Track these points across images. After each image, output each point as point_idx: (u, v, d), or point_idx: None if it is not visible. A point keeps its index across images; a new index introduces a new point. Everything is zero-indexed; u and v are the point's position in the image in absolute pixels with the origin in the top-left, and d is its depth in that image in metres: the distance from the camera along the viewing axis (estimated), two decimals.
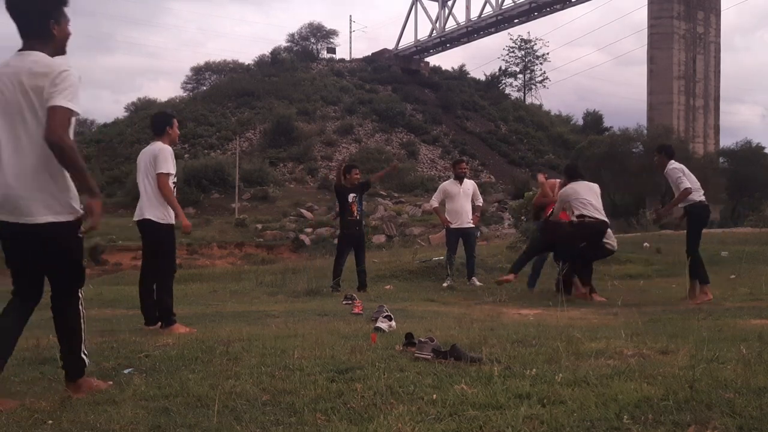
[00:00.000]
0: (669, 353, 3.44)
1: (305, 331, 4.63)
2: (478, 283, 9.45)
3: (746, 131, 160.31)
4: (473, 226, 9.75)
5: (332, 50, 77.21)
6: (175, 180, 5.19)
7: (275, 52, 73.01)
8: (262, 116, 60.60)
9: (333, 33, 77.78)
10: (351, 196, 8.92)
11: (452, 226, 9.53)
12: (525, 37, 78.09)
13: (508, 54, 78.71)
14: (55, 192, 2.85)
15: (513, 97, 79.05)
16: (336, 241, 9.49)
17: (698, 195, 7.40)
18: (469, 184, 9.76)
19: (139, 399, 2.80)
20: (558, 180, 8.71)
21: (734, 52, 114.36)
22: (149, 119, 5.26)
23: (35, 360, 3.67)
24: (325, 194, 49.80)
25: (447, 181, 9.98)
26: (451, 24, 69.13)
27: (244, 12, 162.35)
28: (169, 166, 5.08)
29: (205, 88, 73.08)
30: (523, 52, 78.83)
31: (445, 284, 9.39)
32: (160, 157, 5.04)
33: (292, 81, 66.67)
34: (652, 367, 3.06)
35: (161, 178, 5.04)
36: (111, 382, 3.10)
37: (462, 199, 9.49)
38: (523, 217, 16.59)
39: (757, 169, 39.02)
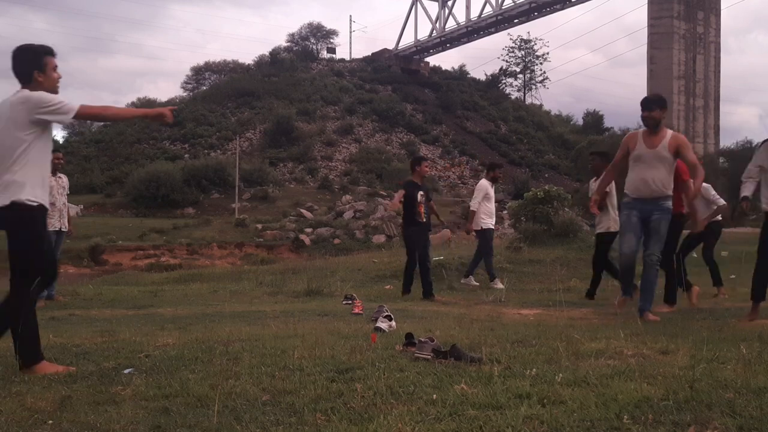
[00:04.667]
0: (669, 353, 3.45)
1: (305, 331, 4.63)
2: (474, 283, 9.52)
3: (744, 132, 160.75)
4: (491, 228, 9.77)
5: (332, 50, 77.27)
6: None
7: (275, 52, 73.04)
8: (262, 116, 60.64)
9: (333, 33, 77.90)
10: (420, 194, 8.05)
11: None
12: (525, 37, 78.19)
13: (508, 54, 78.80)
14: None
15: (513, 97, 79.11)
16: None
17: None
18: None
19: (139, 399, 2.80)
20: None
21: (730, 53, 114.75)
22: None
23: None
24: (325, 194, 49.85)
25: (485, 182, 9.88)
26: (451, 24, 69.25)
27: (243, 14, 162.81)
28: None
29: (205, 88, 73.20)
30: (523, 52, 78.90)
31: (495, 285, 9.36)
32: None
33: (292, 81, 66.72)
34: (652, 367, 3.06)
35: None
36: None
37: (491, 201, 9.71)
38: (522, 218, 16.58)
39: None
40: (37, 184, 3.44)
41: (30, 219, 3.39)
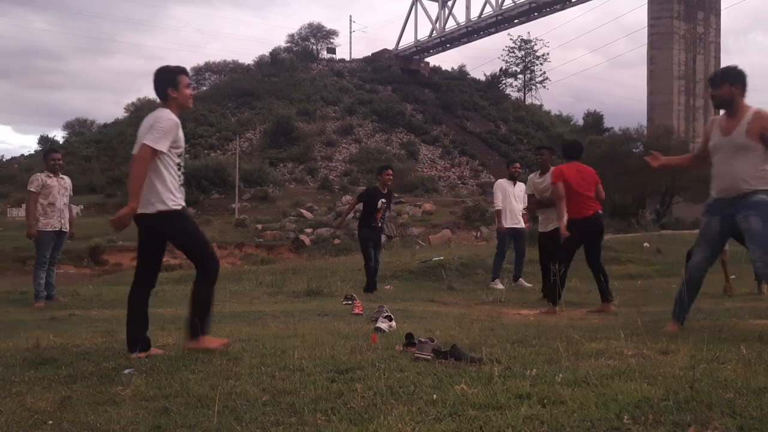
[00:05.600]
0: (669, 353, 3.44)
1: (305, 331, 4.63)
2: (526, 285, 9.37)
3: None
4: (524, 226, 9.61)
5: (332, 50, 77.27)
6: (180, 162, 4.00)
7: (275, 53, 73.04)
8: (262, 116, 60.63)
9: (333, 33, 77.92)
10: (381, 201, 8.60)
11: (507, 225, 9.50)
12: (525, 37, 78.20)
13: (508, 54, 78.81)
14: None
15: (513, 98, 79.10)
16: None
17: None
18: (521, 186, 9.56)
19: (139, 399, 2.80)
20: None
21: (730, 53, 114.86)
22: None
23: (35, 360, 3.68)
24: (325, 194, 49.86)
25: (503, 180, 9.75)
26: (451, 24, 69.25)
27: (243, 15, 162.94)
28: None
29: (205, 88, 73.16)
30: (523, 53, 78.89)
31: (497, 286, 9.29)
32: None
33: (292, 81, 66.72)
34: (653, 367, 3.06)
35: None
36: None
37: (513, 199, 9.45)
38: None
39: None
40: (176, 189, 3.90)
41: (180, 219, 3.91)
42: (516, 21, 65.66)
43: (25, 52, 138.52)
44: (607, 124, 72.07)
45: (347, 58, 77.43)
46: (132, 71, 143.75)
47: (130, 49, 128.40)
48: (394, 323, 4.81)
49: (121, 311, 6.92)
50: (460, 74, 77.92)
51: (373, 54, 76.58)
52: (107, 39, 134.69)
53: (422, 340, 3.55)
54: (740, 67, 4.40)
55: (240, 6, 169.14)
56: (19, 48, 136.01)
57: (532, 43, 78.04)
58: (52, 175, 7.87)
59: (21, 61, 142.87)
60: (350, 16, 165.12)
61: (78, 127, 76.42)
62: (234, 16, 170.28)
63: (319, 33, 77.28)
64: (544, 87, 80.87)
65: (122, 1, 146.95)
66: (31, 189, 7.73)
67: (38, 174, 7.92)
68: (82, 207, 45.33)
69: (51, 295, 7.90)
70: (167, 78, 3.98)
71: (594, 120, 74.67)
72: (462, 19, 67.85)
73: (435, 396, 2.63)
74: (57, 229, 7.83)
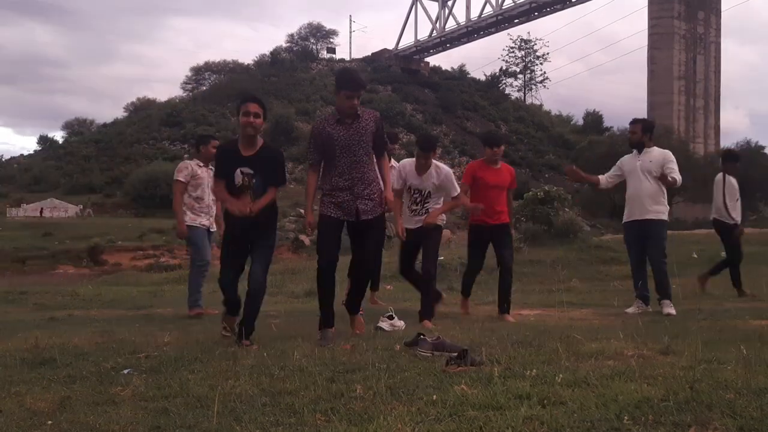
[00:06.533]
0: (669, 354, 3.44)
1: (305, 331, 4.62)
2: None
3: (744, 132, 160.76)
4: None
5: (332, 50, 77.32)
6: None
7: (275, 53, 73.10)
8: None
9: (333, 33, 77.95)
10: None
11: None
12: (525, 37, 78.25)
13: (508, 54, 78.86)
14: None
15: (513, 98, 79.16)
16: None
17: None
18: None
19: (138, 399, 2.79)
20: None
21: (728, 54, 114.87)
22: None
23: (35, 360, 3.67)
24: None
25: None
26: (451, 24, 69.31)
27: (238, 27, 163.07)
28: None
29: (204, 88, 73.22)
30: (523, 53, 78.95)
31: None
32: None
33: (292, 81, 66.76)
34: (653, 367, 3.05)
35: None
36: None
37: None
38: (522, 218, 16.60)
39: (757, 169, 39.07)
40: None
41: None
42: (516, 21, 65.72)
43: (29, 60, 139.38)
44: (607, 124, 72.18)
45: (347, 58, 77.46)
46: (131, 79, 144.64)
47: (130, 58, 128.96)
48: (402, 323, 4.83)
49: (120, 311, 6.94)
50: (460, 74, 77.94)
51: (373, 54, 76.60)
52: (109, 46, 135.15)
53: (425, 338, 3.57)
54: None
55: (235, 17, 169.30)
56: (23, 56, 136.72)
57: (532, 43, 78.15)
58: (202, 164, 6.60)
59: (25, 68, 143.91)
60: (350, 16, 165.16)
61: (77, 127, 76.38)
62: (229, 28, 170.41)
63: (318, 33, 77.32)
64: (544, 87, 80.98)
65: (123, 14, 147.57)
66: (179, 178, 6.52)
67: (188, 162, 6.70)
68: (81, 207, 45.35)
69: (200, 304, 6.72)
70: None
71: (594, 120, 74.76)
72: (462, 19, 67.92)
73: (435, 396, 2.62)
74: (206, 227, 6.64)
